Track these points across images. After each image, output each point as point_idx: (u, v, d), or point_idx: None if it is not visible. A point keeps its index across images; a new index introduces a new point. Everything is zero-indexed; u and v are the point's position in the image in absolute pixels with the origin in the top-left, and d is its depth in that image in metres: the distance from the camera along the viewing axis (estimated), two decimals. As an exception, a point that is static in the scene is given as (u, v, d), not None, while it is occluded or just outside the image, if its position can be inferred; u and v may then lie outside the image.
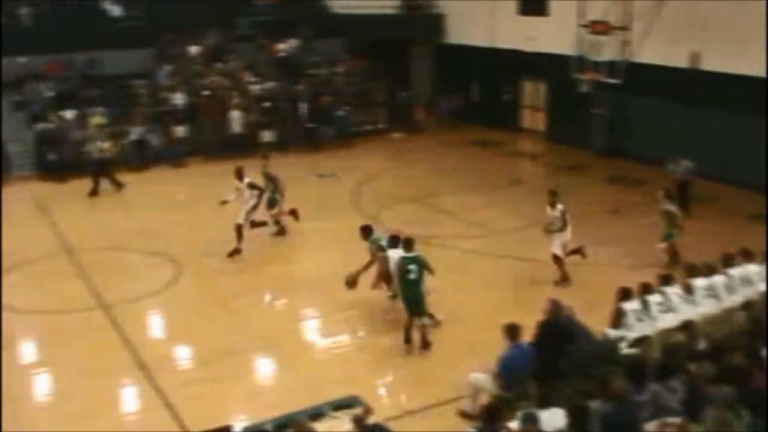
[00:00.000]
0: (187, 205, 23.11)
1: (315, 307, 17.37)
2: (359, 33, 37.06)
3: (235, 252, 19.95)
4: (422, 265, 14.84)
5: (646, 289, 13.64)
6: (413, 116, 35.85)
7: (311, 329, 16.70)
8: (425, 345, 14.90)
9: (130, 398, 14.24)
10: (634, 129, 28.68)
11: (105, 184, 26.89)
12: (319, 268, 18.68)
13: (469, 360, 13.65)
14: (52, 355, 15.78)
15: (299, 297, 17.73)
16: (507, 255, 19.65)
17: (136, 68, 33.80)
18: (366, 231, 17.02)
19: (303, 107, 33.48)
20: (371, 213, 23.56)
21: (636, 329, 12.85)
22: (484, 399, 11.68)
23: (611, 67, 26.95)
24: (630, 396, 9.88)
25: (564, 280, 17.86)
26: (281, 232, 21.67)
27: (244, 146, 31.12)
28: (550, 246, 17.92)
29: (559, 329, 12.23)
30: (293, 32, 36.74)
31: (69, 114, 31.01)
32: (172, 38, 34.70)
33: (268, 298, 18.30)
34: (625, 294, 13.44)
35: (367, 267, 16.65)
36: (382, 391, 14.10)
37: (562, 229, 17.73)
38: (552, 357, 11.56)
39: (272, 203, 21.42)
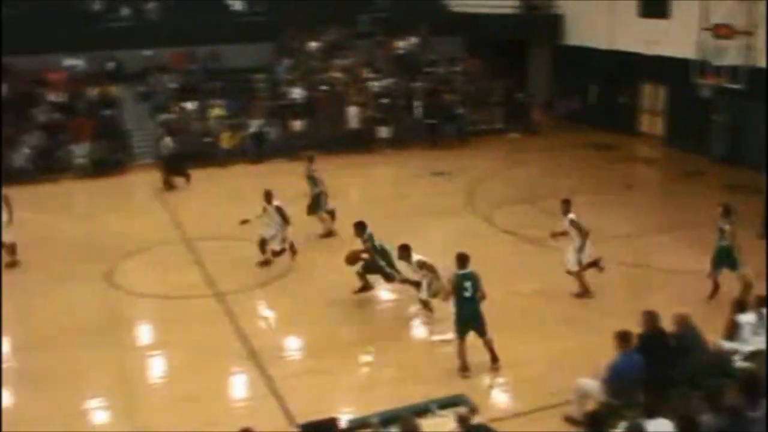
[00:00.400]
0: (301, 198, 23.37)
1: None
2: (477, 32, 36.97)
3: (291, 253, 19.88)
4: (476, 283, 14.16)
5: (762, 302, 13.26)
6: (530, 117, 35.60)
7: (419, 326, 16.71)
8: (494, 359, 14.38)
9: (239, 385, 14.56)
10: (755, 136, 27.90)
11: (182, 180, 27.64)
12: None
13: (575, 365, 13.53)
14: (166, 338, 16.30)
15: (407, 293, 17.76)
16: (618, 261, 19.36)
17: (257, 62, 34.44)
18: (359, 227, 17.33)
19: (420, 105, 33.59)
20: (484, 213, 23.51)
21: (751, 343, 12.51)
22: (590, 405, 11.57)
23: (733, 72, 26.28)
24: (743, 411, 9.67)
25: (585, 292, 17.42)
26: (329, 233, 21.75)
27: (360, 142, 31.48)
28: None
29: (655, 341, 11.97)
30: (412, 30, 36.86)
31: (190, 105, 31.81)
32: (293, 33, 35.18)
33: (376, 293, 18.38)
34: (740, 306, 13.12)
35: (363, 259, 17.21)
36: (488, 391, 14.06)
37: (583, 241, 17.14)
38: (655, 368, 11.37)
39: (317, 205, 21.82)
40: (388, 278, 17.25)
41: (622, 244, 20.73)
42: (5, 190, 20.39)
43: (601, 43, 34.45)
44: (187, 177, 27.62)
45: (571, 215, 17.26)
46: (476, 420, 10.25)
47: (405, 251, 16.42)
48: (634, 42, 32.42)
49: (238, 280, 18.68)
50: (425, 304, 16.39)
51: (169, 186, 27.26)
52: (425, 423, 10.37)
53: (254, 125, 31.33)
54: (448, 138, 32.91)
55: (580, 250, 17.14)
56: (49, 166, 28.95)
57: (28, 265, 20.09)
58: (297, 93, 33.03)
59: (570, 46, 36.90)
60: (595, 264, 17.47)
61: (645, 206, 24.12)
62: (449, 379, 13.81)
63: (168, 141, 27.92)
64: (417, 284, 16.75)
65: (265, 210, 19.28)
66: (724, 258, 16.73)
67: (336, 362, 14.82)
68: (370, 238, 17.19)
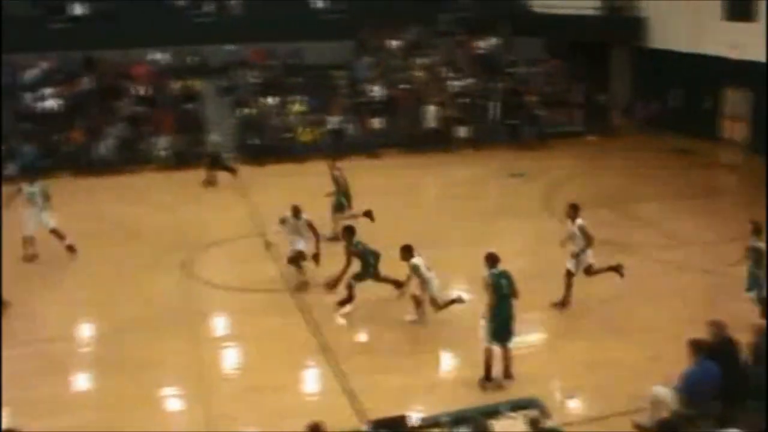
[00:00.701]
0: (379, 195, 23.49)
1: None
2: (558, 33, 36.74)
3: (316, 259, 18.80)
4: (511, 280, 13.92)
5: None
6: (609, 120, 35.27)
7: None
8: (508, 375, 13.98)
9: (310, 379, 14.67)
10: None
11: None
12: (507, 267, 18.51)
13: (650, 372, 13.39)
14: (241, 330, 16.53)
15: (481, 296, 17.62)
16: (697, 268, 19.13)
17: (337, 59, 34.66)
18: (349, 232, 17.16)
19: (499, 105, 33.50)
20: (562, 216, 23.22)
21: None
22: (664, 413, 11.45)
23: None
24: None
25: (564, 304, 16.93)
26: (335, 238, 20.84)
27: (438, 141, 31.50)
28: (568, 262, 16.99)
29: (722, 351, 11.75)
30: (493, 30, 36.77)
31: (270, 101, 32.16)
32: (373, 31, 35.34)
33: (454, 293, 18.33)
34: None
35: (346, 268, 16.98)
36: (561, 395, 13.95)
37: (586, 246, 16.60)
38: (726, 378, 11.20)
39: (339, 207, 21.54)
40: (357, 279, 17.04)
41: (700, 251, 20.47)
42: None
43: (684, 46, 33.85)
44: (220, 175, 27.83)
45: (579, 221, 16.77)
46: (548, 423, 10.22)
47: (406, 252, 16.09)
48: (718, 45, 31.84)
49: (313, 274, 18.76)
50: (416, 301, 16.30)
51: (210, 183, 27.49)
52: (495, 424, 10.38)
53: (333, 122, 31.58)
54: (527, 139, 32.76)
55: (579, 255, 16.70)
56: (131, 158, 29.56)
57: (108, 253, 20.59)
58: (376, 91, 33.22)
59: (652, 49, 36.33)
60: (615, 270, 17.22)
61: (725, 213, 23.71)
62: (523, 382, 13.74)
63: (214, 138, 28.34)
64: (396, 282, 17.01)
65: (283, 222, 18.85)
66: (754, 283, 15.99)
67: (408, 361, 14.84)
68: (358, 245, 17.05)
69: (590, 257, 16.88)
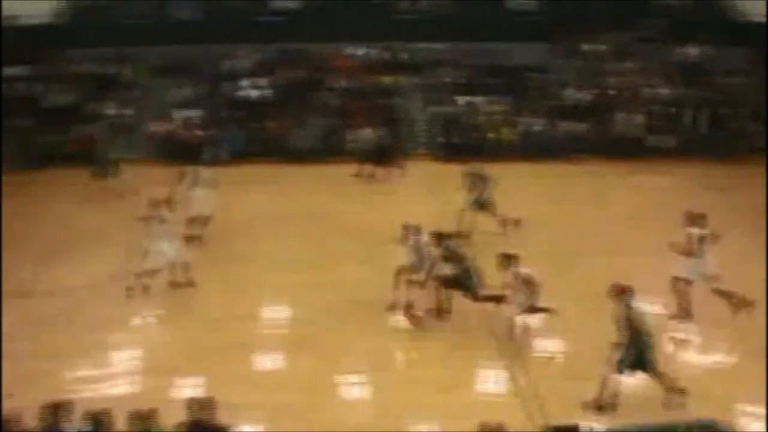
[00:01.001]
0: (565, 201, 23.28)
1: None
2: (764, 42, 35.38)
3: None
4: (645, 316, 13.55)
5: None
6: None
7: (683, 340, 16.26)
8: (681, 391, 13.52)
9: (490, 380, 14.91)
10: None
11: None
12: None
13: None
14: (426, 326, 16.76)
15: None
16: None
17: (537, 62, 34.58)
18: (438, 238, 16.95)
19: (699, 115, 32.65)
20: (759, 234, 22.34)
21: None
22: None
23: None
24: None
25: (686, 314, 16.53)
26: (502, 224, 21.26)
27: (635, 149, 30.95)
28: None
29: None
30: (700, 37, 35.76)
31: (470, 100, 32.43)
32: (575, 34, 35.04)
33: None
34: None
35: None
36: (741, 419, 13.60)
37: (692, 254, 16.19)
38: None
39: (481, 205, 21.39)
40: (467, 293, 16.71)
41: None
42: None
43: None
44: (413, 170, 28.44)
45: (694, 230, 16.57)
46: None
47: (506, 259, 15.98)
48: None
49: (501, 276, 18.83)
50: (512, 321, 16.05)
51: (370, 176, 28.10)
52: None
53: (530, 124, 31.57)
54: (728, 152, 31.71)
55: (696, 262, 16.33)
56: (330, 149, 30.46)
57: (299, 239, 21.62)
58: (575, 94, 32.96)
59: None
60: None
61: None
62: (708, 400, 13.42)
63: (368, 132, 28.85)
64: (497, 299, 16.43)
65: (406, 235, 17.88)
66: None
67: (595, 369, 14.61)
68: (447, 248, 16.85)
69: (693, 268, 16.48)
